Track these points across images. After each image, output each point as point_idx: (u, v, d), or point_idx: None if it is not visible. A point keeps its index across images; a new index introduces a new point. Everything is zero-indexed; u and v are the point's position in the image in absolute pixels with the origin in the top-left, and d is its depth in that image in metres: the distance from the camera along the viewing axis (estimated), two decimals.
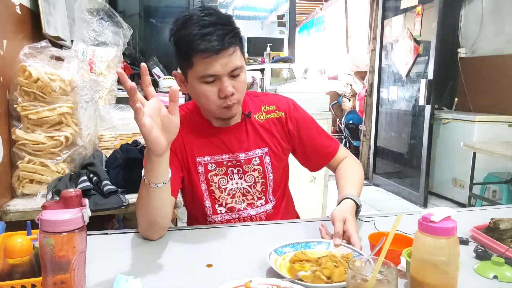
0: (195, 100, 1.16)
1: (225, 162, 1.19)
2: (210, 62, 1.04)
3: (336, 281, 0.77)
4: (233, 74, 1.08)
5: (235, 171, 1.19)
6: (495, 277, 0.83)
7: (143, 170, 0.94)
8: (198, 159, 1.17)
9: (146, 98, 0.88)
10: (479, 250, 0.93)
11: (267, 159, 1.21)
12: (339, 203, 1.09)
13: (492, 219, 1.03)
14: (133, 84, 0.82)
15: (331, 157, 1.28)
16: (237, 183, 1.20)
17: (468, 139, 3.57)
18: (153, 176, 0.92)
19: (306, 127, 1.26)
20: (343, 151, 1.30)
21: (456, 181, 3.90)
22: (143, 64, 0.88)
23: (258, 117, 1.23)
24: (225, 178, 1.19)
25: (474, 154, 3.14)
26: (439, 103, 4.28)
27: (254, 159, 1.20)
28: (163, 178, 0.93)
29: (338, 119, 6.21)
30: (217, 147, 1.18)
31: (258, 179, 1.21)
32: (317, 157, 1.28)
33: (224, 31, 1.04)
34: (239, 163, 1.19)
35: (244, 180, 1.20)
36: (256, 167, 1.20)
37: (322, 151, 1.27)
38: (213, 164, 1.18)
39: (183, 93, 2.44)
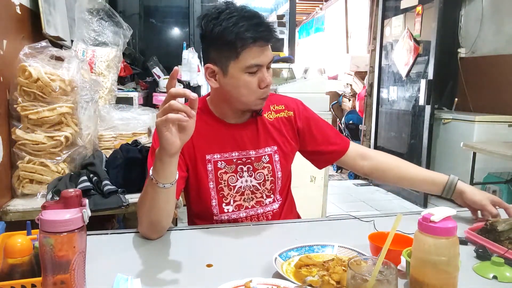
0: (231, 92, 1.11)
1: (234, 160, 1.18)
2: (259, 52, 1.06)
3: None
4: (268, 66, 1.11)
5: (244, 168, 1.19)
6: (495, 277, 0.84)
7: (150, 169, 0.94)
8: (207, 157, 1.16)
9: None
10: (479, 250, 0.93)
11: (276, 157, 1.22)
12: (454, 186, 1.18)
13: (487, 220, 1.02)
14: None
15: (346, 149, 1.29)
16: (246, 181, 1.20)
17: (468, 139, 3.56)
18: (162, 176, 0.92)
19: (317, 124, 1.29)
20: (355, 144, 1.33)
21: None
22: (176, 68, 0.88)
23: (267, 115, 1.24)
24: (234, 176, 1.19)
25: (474, 154, 3.14)
26: (439, 103, 4.28)
27: (264, 156, 1.21)
28: (172, 179, 0.94)
29: (338, 119, 6.20)
30: (227, 144, 1.18)
31: (268, 177, 1.21)
32: (331, 151, 1.29)
33: (267, 23, 1.07)
34: (249, 161, 1.19)
35: (254, 178, 1.20)
36: (265, 165, 1.21)
37: (336, 143, 1.29)
38: (222, 161, 1.17)
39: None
